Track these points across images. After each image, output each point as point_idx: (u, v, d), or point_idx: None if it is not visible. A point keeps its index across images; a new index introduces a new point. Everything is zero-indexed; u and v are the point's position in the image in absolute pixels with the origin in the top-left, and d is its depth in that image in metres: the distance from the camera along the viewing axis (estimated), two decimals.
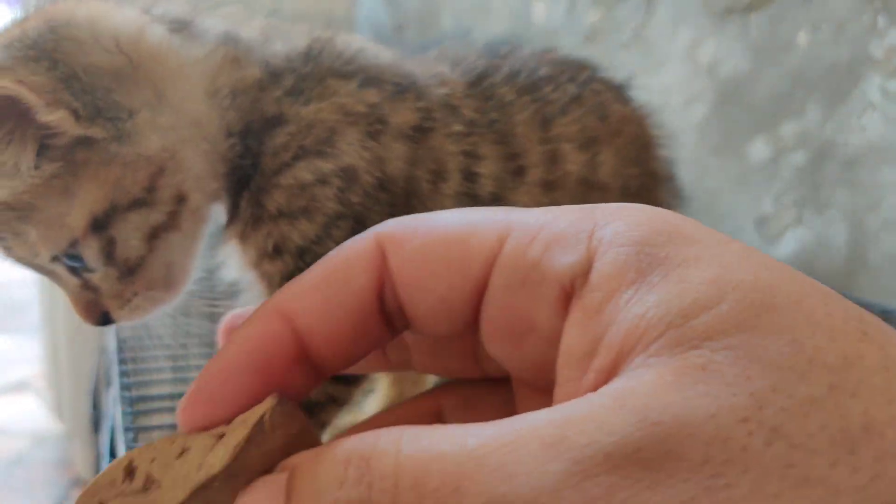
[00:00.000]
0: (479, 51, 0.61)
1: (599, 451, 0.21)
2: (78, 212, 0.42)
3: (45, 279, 0.47)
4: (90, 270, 0.45)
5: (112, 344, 0.74)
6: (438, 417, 0.34)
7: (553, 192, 0.56)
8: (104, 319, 0.47)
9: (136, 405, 0.64)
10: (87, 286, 0.46)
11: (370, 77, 0.51)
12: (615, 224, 0.25)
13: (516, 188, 0.54)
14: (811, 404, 0.20)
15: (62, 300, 2.15)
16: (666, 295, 0.23)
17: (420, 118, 0.52)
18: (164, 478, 0.28)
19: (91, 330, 1.88)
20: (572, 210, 0.27)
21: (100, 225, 0.43)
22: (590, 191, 0.57)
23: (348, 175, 0.48)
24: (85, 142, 0.42)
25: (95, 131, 0.41)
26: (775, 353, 0.21)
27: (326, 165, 0.47)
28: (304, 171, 0.47)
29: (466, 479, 0.22)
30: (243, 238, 0.49)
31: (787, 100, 0.88)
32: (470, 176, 0.53)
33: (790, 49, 0.87)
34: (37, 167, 0.41)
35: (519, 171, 0.55)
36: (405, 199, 0.50)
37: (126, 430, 0.59)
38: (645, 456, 0.20)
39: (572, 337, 0.25)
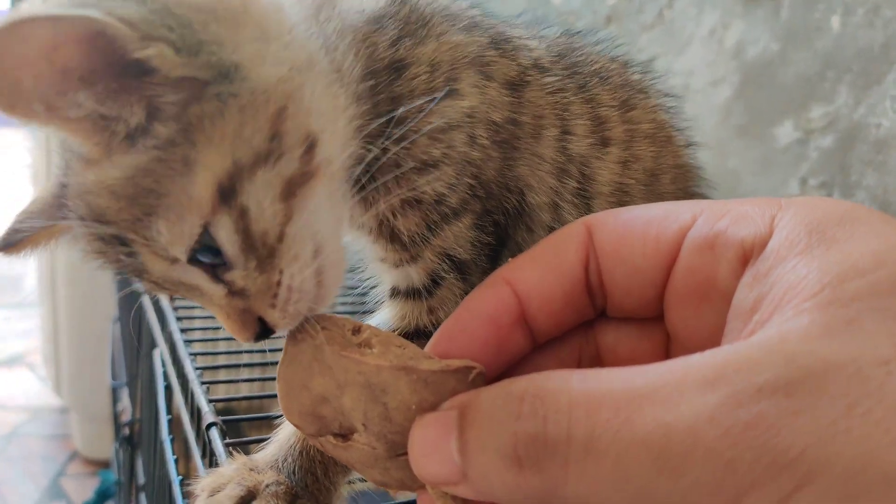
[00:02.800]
0: (558, 33, 0.63)
1: (752, 386, 0.24)
2: (201, 180, 0.36)
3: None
4: (229, 266, 0.39)
5: (165, 302, 0.75)
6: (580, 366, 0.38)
7: (628, 170, 0.58)
8: (263, 330, 0.40)
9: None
10: (232, 292, 0.40)
11: (470, 24, 0.52)
12: (795, 208, 0.30)
13: (601, 158, 0.56)
14: None
15: (61, 273, 2.09)
16: (826, 262, 0.27)
17: (518, 73, 0.53)
18: (378, 348, 0.34)
19: (95, 302, 1.84)
20: (758, 199, 0.32)
21: (227, 193, 0.36)
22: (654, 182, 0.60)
23: (474, 117, 0.49)
24: (194, 94, 0.36)
25: (199, 68, 0.36)
26: None
27: (458, 105, 0.48)
28: (440, 116, 0.47)
29: (636, 411, 0.25)
30: (375, 195, 0.47)
31: (817, 83, 0.89)
32: (567, 130, 0.54)
33: (822, 32, 0.88)
34: (150, 132, 0.36)
35: (604, 142, 0.57)
36: (512, 147, 0.51)
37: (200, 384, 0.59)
38: (791, 390, 0.24)
39: (742, 294, 0.29)
